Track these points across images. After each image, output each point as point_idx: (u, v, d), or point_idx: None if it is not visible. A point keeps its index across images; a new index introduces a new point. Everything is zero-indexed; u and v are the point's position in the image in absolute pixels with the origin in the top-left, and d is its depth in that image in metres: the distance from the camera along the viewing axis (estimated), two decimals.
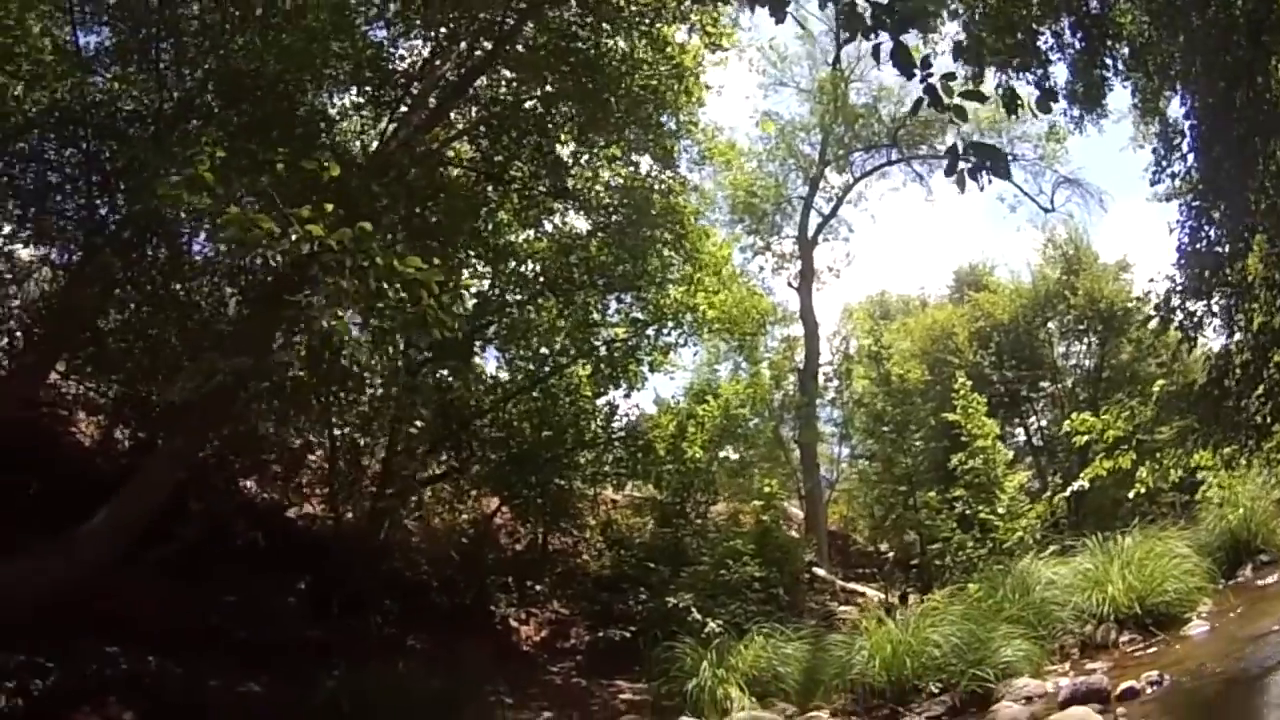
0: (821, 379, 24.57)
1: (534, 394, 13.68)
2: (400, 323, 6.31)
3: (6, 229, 11.34)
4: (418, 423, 12.67)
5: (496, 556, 14.52)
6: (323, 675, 9.32)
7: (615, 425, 14.73)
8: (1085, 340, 22.56)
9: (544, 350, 13.78)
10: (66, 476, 11.51)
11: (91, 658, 8.71)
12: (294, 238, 5.11)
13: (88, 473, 11.96)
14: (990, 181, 4.42)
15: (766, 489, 15.42)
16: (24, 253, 12.01)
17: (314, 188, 6.45)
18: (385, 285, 5.49)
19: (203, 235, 12.02)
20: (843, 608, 14.42)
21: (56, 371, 11.86)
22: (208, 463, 10.72)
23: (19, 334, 11.98)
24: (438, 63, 11.63)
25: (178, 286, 11.73)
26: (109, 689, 8.57)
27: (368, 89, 12.04)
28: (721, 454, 16.13)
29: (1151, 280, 10.23)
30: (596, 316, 13.44)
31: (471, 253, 12.71)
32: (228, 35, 10.49)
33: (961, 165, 4.26)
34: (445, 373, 11.97)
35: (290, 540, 12.80)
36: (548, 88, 11.78)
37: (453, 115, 12.05)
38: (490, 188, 12.20)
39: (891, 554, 20.88)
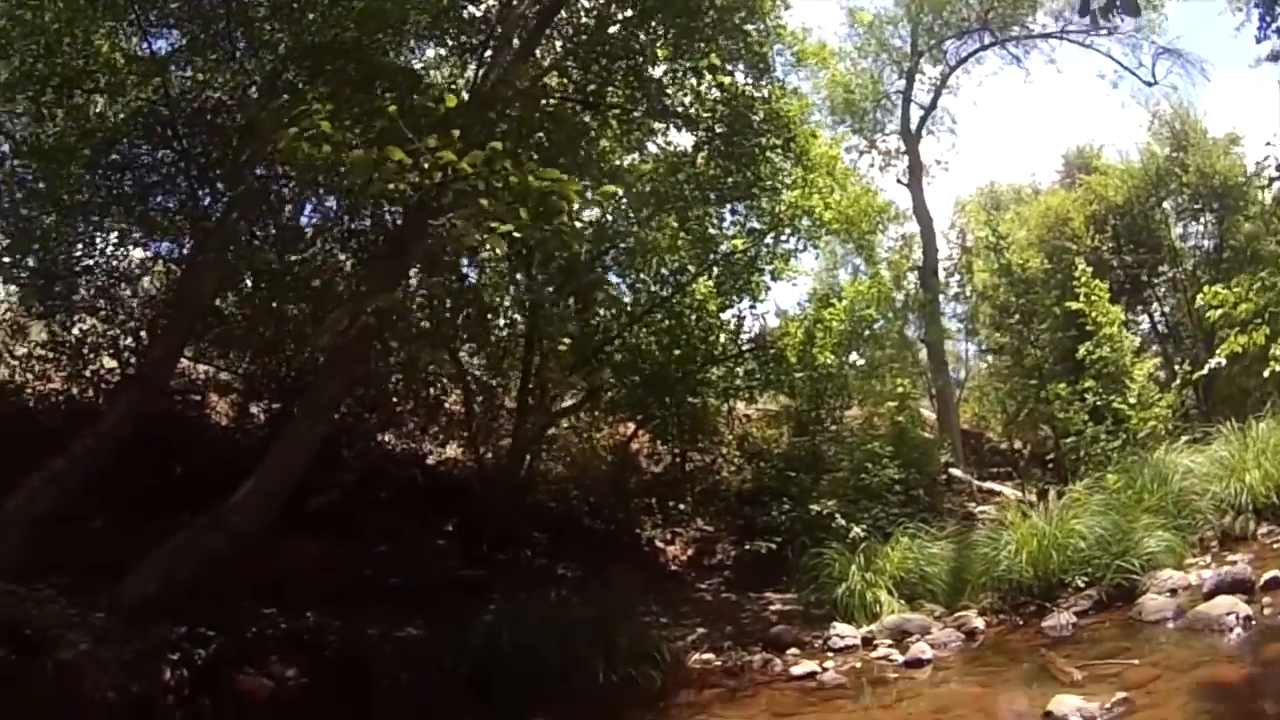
0: (942, 274, 24.11)
1: (660, 314, 13.58)
2: (538, 240, 6.34)
3: (114, 236, 11.93)
4: (557, 348, 12.72)
5: (638, 480, 14.63)
6: (478, 612, 9.49)
7: (743, 338, 14.64)
8: (1202, 220, 21.68)
9: (665, 270, 13.69)
10: (208, 457, 12.09)
11: (250, 621, 9.07)
12: (425, 165, 5.13)
13: (227, 451, 12.53)
14: (1120, 22, 4.27)
15: (899, 389, 15.21)
16: (136, 253, 12.56)
17: (428, 128, 6.47)
18: (520, 204, 5.48)
19: (308, 208, 12.45)
20: (980, 508, 14.22)
21: (185, 357, 12.18)
22: (345, 422, 10.93)
23: (143, 330, 12.39)
24: (514, 2, 11.52)
25: (292, 259, 12.06)
26: (269, 649, 8.88)
27: (449, 40, 12.10)
28: (851, 358, 15.88)
29: (1269, 144, 9.72)
30: (714, 231, 13.26)
31: (584, 182, 12.57)
32: (298, 11, 10.59)
33: (1093, 5, 4.12)
34: (572, 300, 11.96)
35: (434, 486, 13.19)
36: (628, 11, 11.60)
37: (538, 52, 11.95)
38: (588, 116, 12.11)
39: (1026, 450, 20.52)
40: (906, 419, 15.09)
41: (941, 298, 23.71)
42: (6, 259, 11.65)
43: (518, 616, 8.90)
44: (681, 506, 14.26)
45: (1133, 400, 13.38)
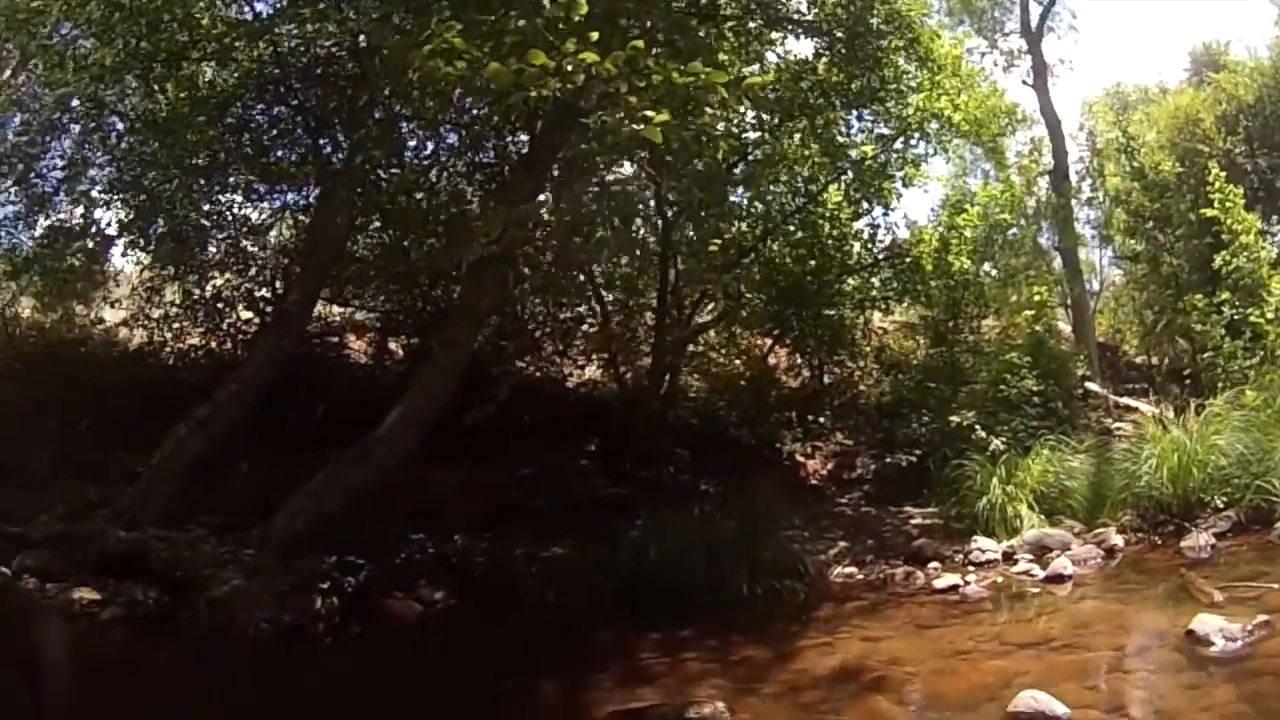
0: (1073, 179, 23.14)
1: (793, 225, 13.29)
2: (679, 145, 6.26)
3: (239, 194, 12.39)
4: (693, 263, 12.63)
5: (777, 394, 14.47)
6: (624, 530, 9.54)
7: (878, 247, 14.30)
8: None
9: (797, 180, 13.30)
10: (348, 396, 12.42)
11: (399, 547, 9.31)
12: (569, 68, 5.07)
13: (367, 389, 12.82)
14: None
15: (1036, 297, 14.76)
16: (262, 206, 13.06)
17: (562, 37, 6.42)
18: (664, 104, 5.38)
19: (430, 146, 12.56)
20: (1117, 424, 13.79)
21: (323, 299, 12.56)
22: (484, 350, 11.07)
23: (278, 279, 12.79)
24: None
25: (419, 196, 12.25)
26: (418, 574, 9.12)
27: None
28: (985, 266, 15.45)
29: None
30: (842, 139, 12.90)
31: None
32: None
33: None
34: (706, 213, 11.84)
35: (576, 407, 13.42)
36: None
37: None
38: (703, 31, 11.87)
39: (1162, 366, 19.78)
40: (1043, 329, 14.61)
41: (1074, 203, 22.79)
42: (136, 227, 12.12)
43: (663, 533, 8.90)
44: (821, 420, 14.08)
45: (1270, 315, 12.70)
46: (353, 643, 7.93)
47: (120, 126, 12.20)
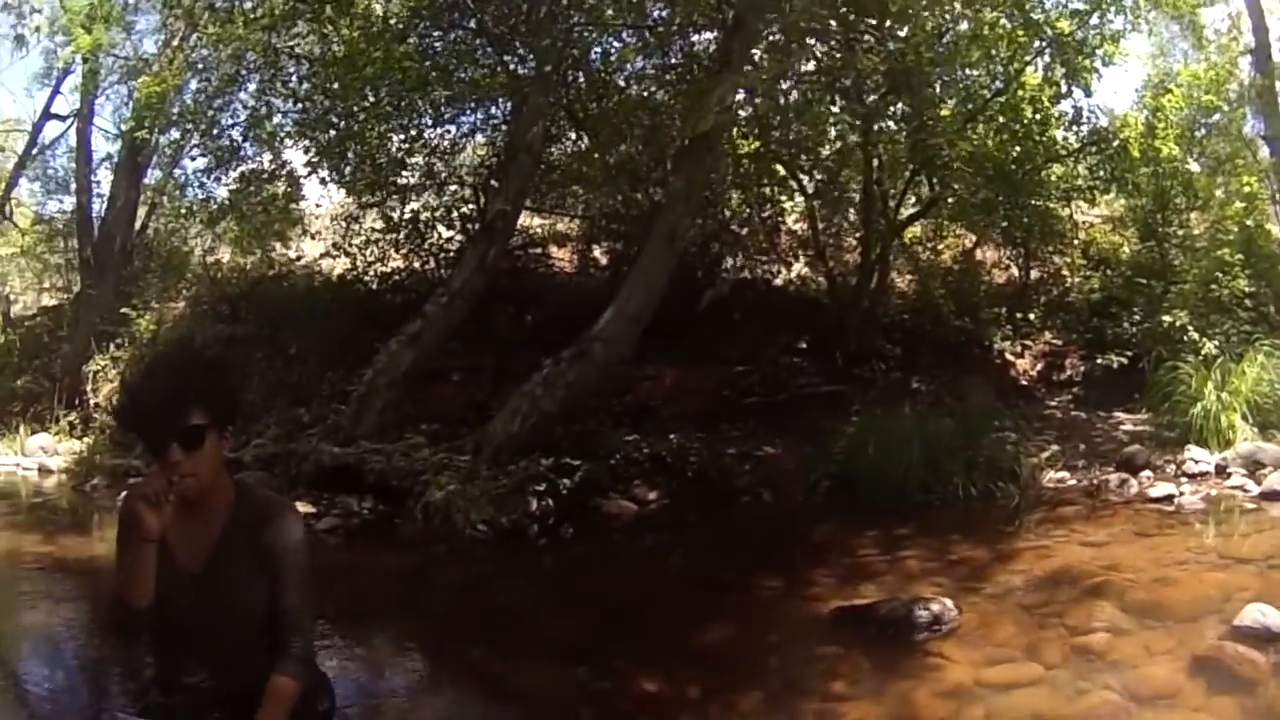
0: (1276, 57, 21.44)
1: (993, 110, 12.53)
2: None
3: (427, 119, 12.64)
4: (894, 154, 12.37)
5: (985, 290, 14.20)
6: (837, 427, 9.52)
7: (1081, 131, 13.32)
8: None
9: (995, 61, 12.51)
10: (555, 305, 12.81)
11: (614, 447, 9.49)
12: None
13: (573, 297, 13.12)
14: None
15: (1246, 188, 13.90)
16: (451, 129, 13.29)
17: None
18: None
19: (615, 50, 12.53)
20: None
21: (527, 208, 12.80)
22: (688, 251, 11.24)
23: (481, 194, 12.91)
24: None
25: (611, 101, 12.34)
26: (632, 473, 9.34)
27: None
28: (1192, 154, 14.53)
29: None
30: (1038, 15, 11.91)
31: None
32: None
33: None
34: (903, 104, 11.60)
35: (785, 305, 13.38)
36: None
37: None
38: None
39: None
40: (1255, 222, 13.77)
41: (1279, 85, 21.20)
42: (326, 163, 12.52)
43: (879, 430, 8.83)
44: (1030, 318, 13.62)
45: None
46: (568, 543, 8.23)
47: (298, 70, 12.63)
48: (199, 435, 2.51)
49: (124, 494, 2.82)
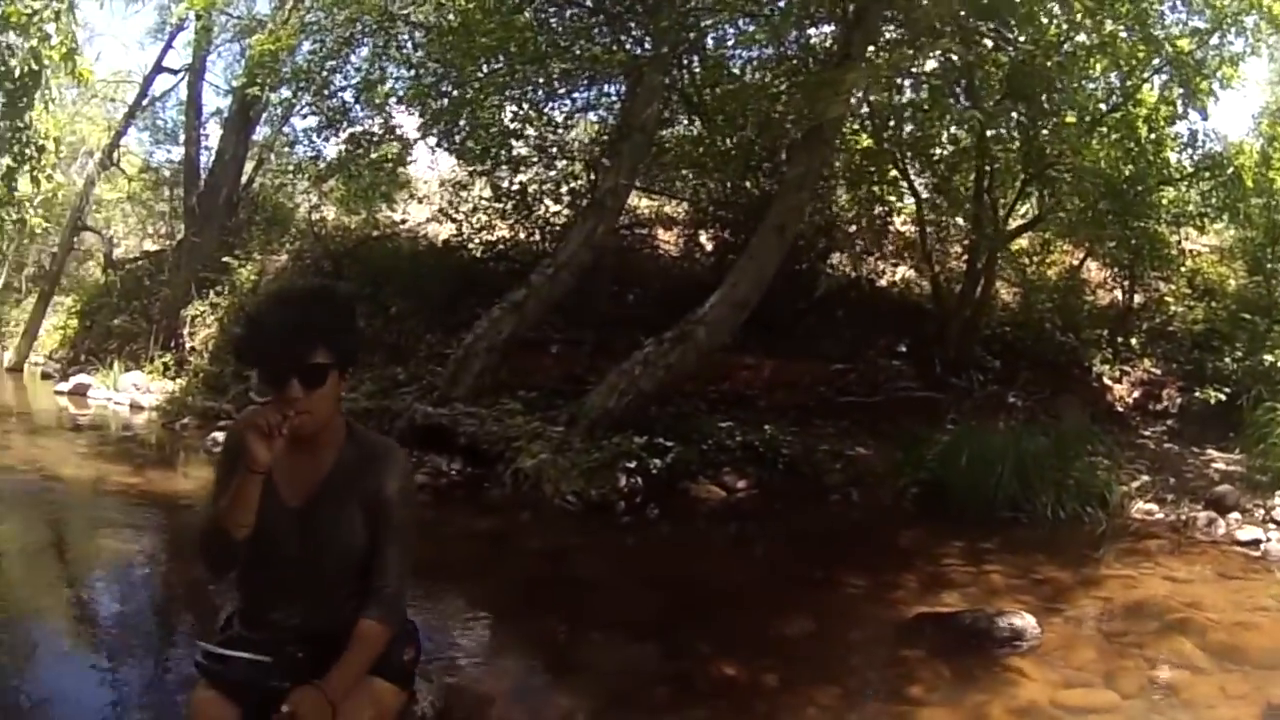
0: None
1: (1106, 127, 12.14)
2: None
3: (540, 92, 12.73)
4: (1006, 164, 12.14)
5: (1087, 310, 14.00)
6: (931, 434, 9.56)
7: (1196, 154, 12.91)
8: None
9: (1112, 75, 12.21)
10: (658, 285, 13.03)
11: (707, 432, 9.52)
12: None
13: (677, 279, 13.31)
14: None
15: None
16: (564, 105, 13.37)
17: None
18: None
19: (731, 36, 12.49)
20: None
21: (637, 187, 12.84)
22: (795, 246, 11.20)
23: (592, 170, 13.12)
24: None
25: (724, 89, 12.29)
26: (723, 460, 9.38)
27: None
28: None
29: None
30: (1159, 31, 11.54)
31: None
32: None
33: None
34: (1019, 113, 11.46)
35: (887, 307, 13.35)
36: None
37: None
38: None
39: None
40: None
41: None
42: (436, 130, 12.68)
43: (972, 441, 8.78)
44: (1132, 342, 13.46)
45: None
46: (653, 523, 8.30)
47: (412, 37, 12.77)
48: (321, 374, 2.49)
49: (234, 420, 2.88)
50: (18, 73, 9.91)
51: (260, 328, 2.54)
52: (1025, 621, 4.81)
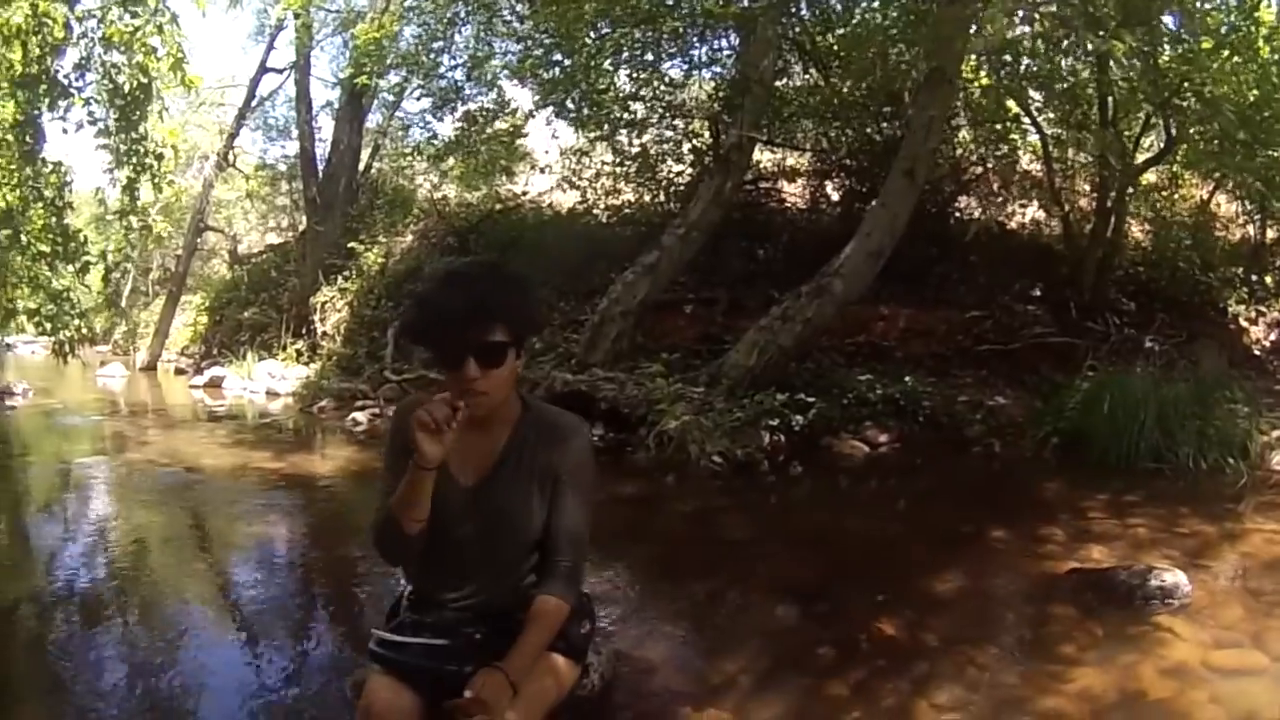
0: None
1: (1228, 50, 11.09)
2: None
3: (649, 55, 12.75)
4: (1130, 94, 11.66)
5: (1221, 247, 13.64)
6: (1069, 381, 9.51)
7: None
8: None
9: None
10: (787, 239, 13.14)
11: (848, 387, 9.62)
12: None
13: (804, 232, 13.39)
14: None
15: None
16: (677, 62, 13.30)
17: None
18: None
19: None
20: None
21: (760, 140, 12.73)
22: (923, 190, 11.11)
23: (718, 125, 12.88)
24: None
25: (840, 33, 12.24)
26: (864, 414, 9.48)
27: None
28: None
29: None
30: None
31: None
32: None
33: None
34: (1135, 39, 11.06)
35: (1018, 250, 13.19)
36: None
37: None
38: None
39: None
40: None
41: None
42: (550, 100, 12.77)
43: (1113, 389, 8.63)
44: (1268, 280, 13.16)
45: None
46: (797, 480, 8.37)
47: (516, 12, 12.96)
48: (499, 351, 2.46)
49: (396, 409, 2.82)
50: (126, 88, 10.19)
51: (435, 308, 2.50)
52: (1176, 579, 4.79)
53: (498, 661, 2.43)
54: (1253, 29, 11.22)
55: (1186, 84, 11.01)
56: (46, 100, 10.25)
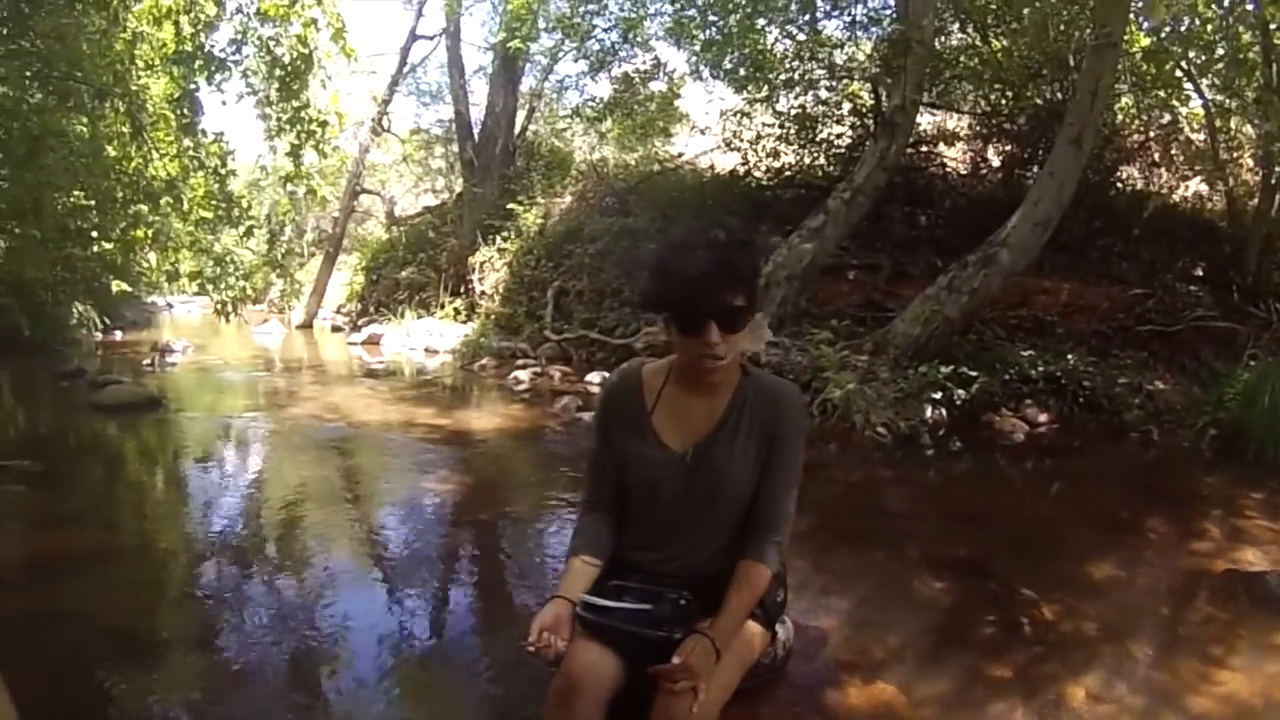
0: None
1: None
2: None
3: (804, 18, 12.88)
4: None
5: None
6: (1230, 368, 9.38)
7: None
8: None
9: None
10: (948, 204, 13.16)
11: (1010, 362, 9.60)
12: None
13: (965, 198, 13.40)
14: None
15: None
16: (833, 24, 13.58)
17: None
18: None
19: None
20: None
21: (923, 104, 12.80)
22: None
23: (879, 86, 12.97)
24: None
25: None
26: (1025, 392, 9.50)
27: None
28: None
29: None
30: None
31: None
32: None
33: None
34: None
35: (1180, 225, 12.89)
36: None
37: None
38: None
39: None
40: None
41: None
42: (707, 61, 12.97)
43: (1274, 380, 8.42)
44: None
45: None
46: (956, 455, 8.46)
47: None
48: (740, 317, 2.53)
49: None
50: (286, 59, 10.60)
51: (677, 274, 2.54)
52: None
53: (702, 626, 2.51)
54: None
55: None
56: (204, 75, 10.81)
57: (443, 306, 17.95)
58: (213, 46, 10.84)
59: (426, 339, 16.44)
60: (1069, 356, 9.93)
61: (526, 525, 5.99)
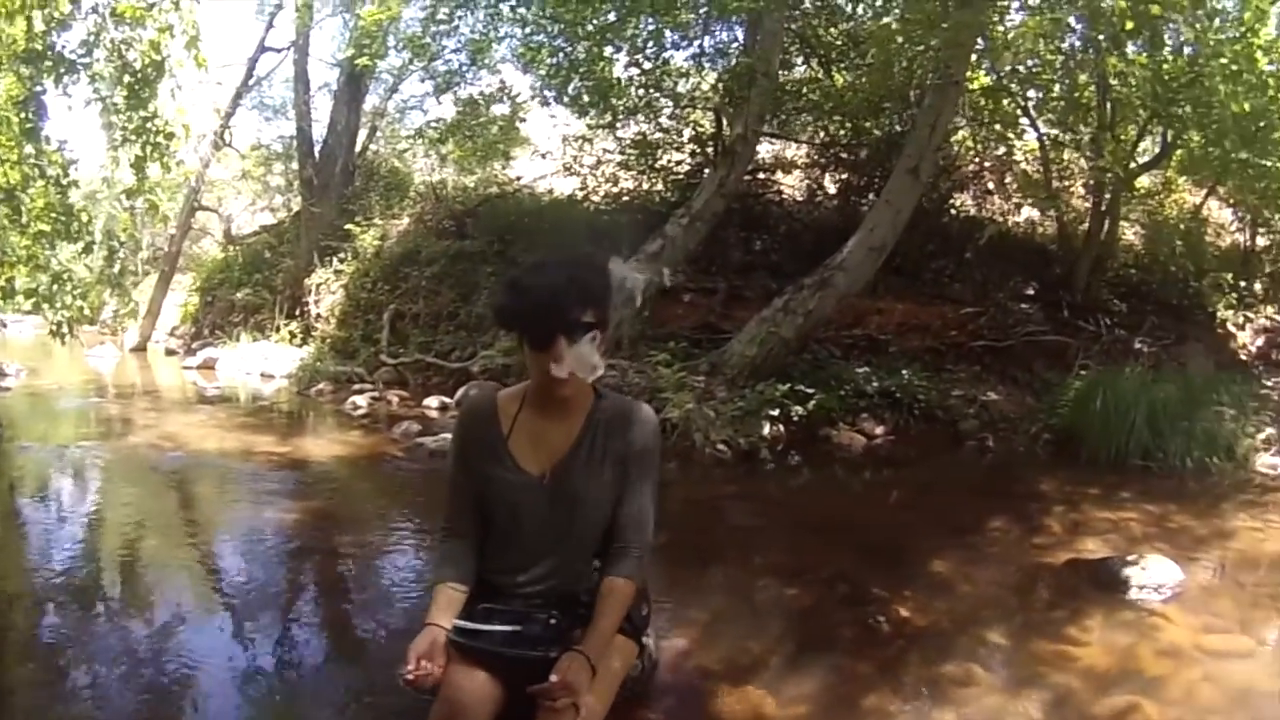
0: None
1: (1226, 57, 10.80)
2: None
3: (650, 45, 12.62)
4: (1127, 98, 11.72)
5: (1211, 253, 13.90)
6: (1061, 378, 9.83)
7: None
8: None
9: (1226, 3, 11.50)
10: (783, 230, 13.30)
11: (845, 379, 9.80)
12: None
13: (801, 224, 13.58)
14: None
15: None
16: (679, 54, 13.39)
17: None
18: None
19: None
20: None
21: (765, 134, 13.08)
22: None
23: (721, 115, 13.06)
24: None
25: (845, 28, 12.62)
26: (861, 407, 9.67)
27: None
28: None
29: None
30: None
31: None
32: None
33: None
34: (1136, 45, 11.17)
35: (1013, 248, 13.39)
36: None
37: None
38: None
39: None
40: None
41: None
42: (552, 87, 12.82)
43: (1105, 388, 8.90)
44: (1256, 287, 13.40)
45: None
46: (796, 470, 8.60)
47: None
48: (588, 333, 2.53)
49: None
50: (138, 65, 10.06)
51: (526, 290, 2.57)
52: (1168, 569, 5.05)
53: (572, 644, 2.53)
54: (1250, 38, 11.25)
55: (1181, 91, 11.16)
56: (50, 76, 10.11)
57: (278, 330, 17.26)
58: (64, 47, 10.10)
59: (263, 363, 15.81)
60: (904, 372, 10.18)
61: (372, 553, 5.77)
